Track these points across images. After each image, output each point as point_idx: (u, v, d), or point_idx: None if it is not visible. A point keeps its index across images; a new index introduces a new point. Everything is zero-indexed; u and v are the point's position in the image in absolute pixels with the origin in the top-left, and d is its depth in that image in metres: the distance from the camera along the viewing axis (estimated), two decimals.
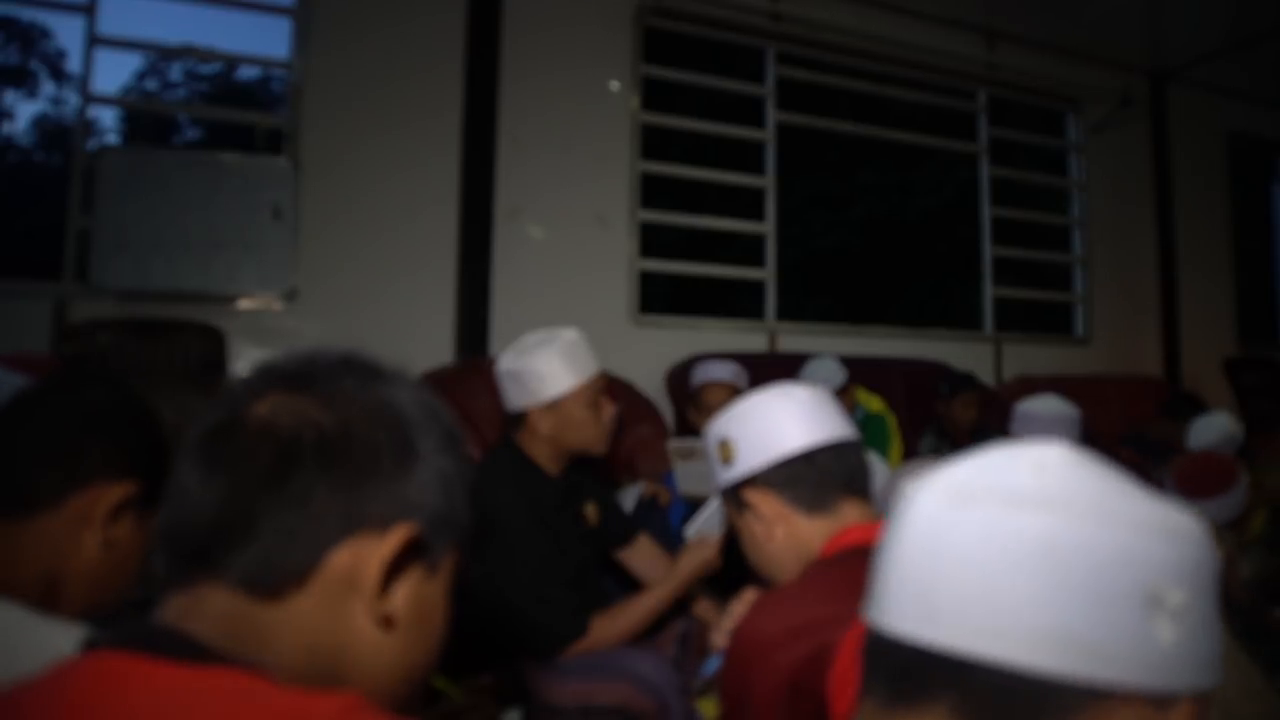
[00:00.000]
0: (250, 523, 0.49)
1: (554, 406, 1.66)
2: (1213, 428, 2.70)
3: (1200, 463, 2.12)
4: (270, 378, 0.54)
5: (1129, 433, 3.55)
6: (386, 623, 0.52)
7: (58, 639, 0.65)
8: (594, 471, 1.91)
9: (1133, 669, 0.41)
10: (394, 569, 0.52)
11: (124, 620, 0.50)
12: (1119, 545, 0.42)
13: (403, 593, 0.53)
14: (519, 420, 1.70)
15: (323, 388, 0.53)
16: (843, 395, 2.97)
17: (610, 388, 1.87)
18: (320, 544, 0.50)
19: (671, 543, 2.01)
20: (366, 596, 0.51)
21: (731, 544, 1.25)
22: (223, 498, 0.49)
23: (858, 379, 3.11)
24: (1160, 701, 0.42)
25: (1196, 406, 3.46)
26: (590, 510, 1.81)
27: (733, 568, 1.45)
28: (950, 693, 0.44)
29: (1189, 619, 0.42)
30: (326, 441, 0.51)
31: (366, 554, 0.51)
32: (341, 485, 0.50)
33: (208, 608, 0.48)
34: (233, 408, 0.53)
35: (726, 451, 1.05)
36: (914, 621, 0.45)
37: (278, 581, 0.49)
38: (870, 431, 3.04)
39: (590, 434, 1.69)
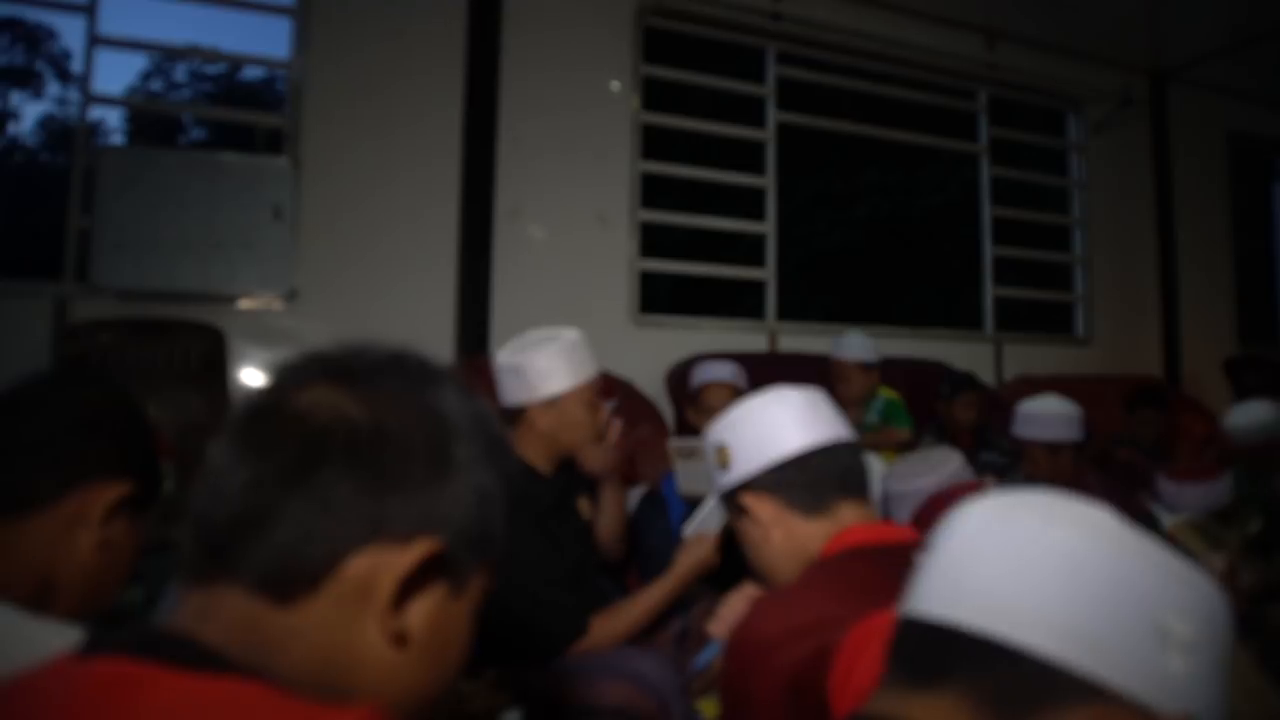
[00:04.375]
0: (269, 515, 0.47)
1: (554, 404, 1.66)
2: (1252, 413, 2.65)
3: (1191, 464, 2.19)
4: (315, 367, 0.52)
5: (1119, 433, 3.56)
6: (399, 640, 0.49)
7: (52, 639, 0.65)
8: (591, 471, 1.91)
9: (1136, 678, 0.44)
10: (411, 584, 0.49)
11: (122, 625, 0.49)
12: (1140, 573, 0.47)
13: (419, 610, 0.50)
14: (515, 416, 1.70)
15: (365, 383, 0.51)
16: (868, 373, 2.99)
17: (610, 388, 1.88)
18: (338, 547, 0.47)
19: (672, 543, 2.01)
20: (379, 610, 0.48)
21: (730, 542, 1.26)
22: (246, 485, 0.48)
23: None
24: (1148, 714, 0.45)
25: (1154, 399, 3.47)
26: (584, 507, 1.81)
27: (732, 566, 1.45)
28: (963, 673, 0.47)
29: (1197, 659, 0.46)
30: (358, 440, 0.49)
31: (384, 564, 0.48)
32: (367, 487, 0.48)
33: (222, 610, 0.47)
34: (274, 394, 0.51)
35: (723, 457, 1.06)
36: (942, 604, 0.49)
37: (292, 583, 0.47)
38: (891, 412, 3.07)
39: (585, 435, 1.70)
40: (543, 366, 1.64)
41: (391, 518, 0.49)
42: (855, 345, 3.03)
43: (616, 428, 1.83)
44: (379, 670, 0.49)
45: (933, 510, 1.55)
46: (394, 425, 0.50)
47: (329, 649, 0.47)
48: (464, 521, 0.51)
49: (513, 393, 1.67)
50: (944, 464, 1.83)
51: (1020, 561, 0.48)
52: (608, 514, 1.91)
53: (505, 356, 1.68)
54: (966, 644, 0.47)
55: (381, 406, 0.51)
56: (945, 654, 0.48)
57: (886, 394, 3.17)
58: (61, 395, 0.82)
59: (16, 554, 0.75)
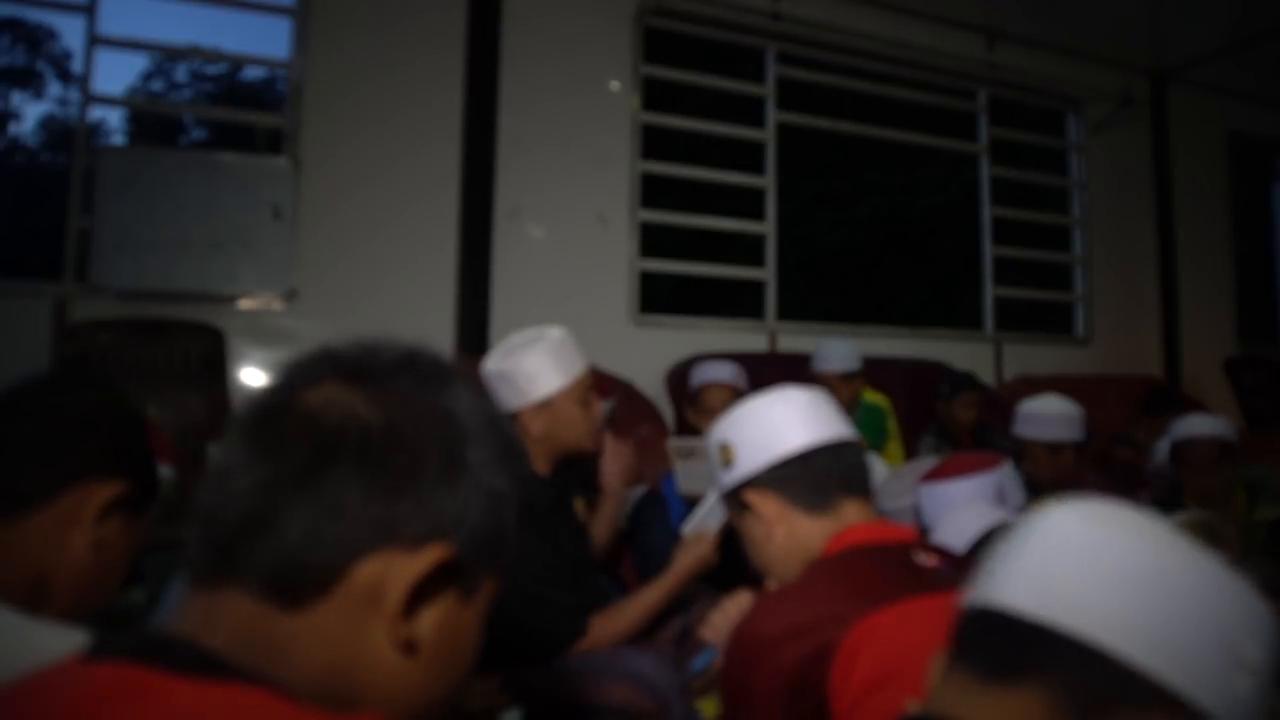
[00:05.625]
0: (278, 517, 0.46)
1: (546, 406, 1.65)
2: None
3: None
4: (327, 365, 0.51)
5: (1119, 433, 3.55)
6: (408, 647, 0.48)
7: (48, 640, 0.64)
8: (592, 471, 1.91)
9: (1209, 693, 0.46)
10: (422, 591, 0.48)
11: (123, 627, 0.49)
12: (1220, 595, 0.49)
13: (429, 618, 0.49)
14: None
15: (378, 383, 0.50)
16: (851, 382, 2.99)
17: (607, 387, 1.88)
18: (347, 552, 0.46)
19: (671, 542, 2.01)
20: (388, 617, 0.47)
21: (729, 540, 1.26)
22: (255, 485, 0.46)
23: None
24: None
25: (1174, 403, 3.46)
26: (580, 507, 1.81)
27: (731, 564, 1.45)
28: (1045, 669, 0.48)
29: (1259, 682, 0.48)
30: (369, 441, 0.48)
31: (394, 570, 0.47)
32: (378, 491, 0.47)
33: (227, 614, 0.46)
34: (285, 392, 0.50)
35: (727, 455, 1.06)
36: (1032, 599, 0.50)
37: (299, 588, 0.46)
38: (864, 422, 3.06)
39: (581, 431, 1.69)
40: (531, 369, 1.62)
41: (403, 522, 0.47)
42: (835, 358, 3.00)
43: (599, 406, 1.82)
44: (387, 677, 0.48)
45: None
46: (407, 426, 0.49)
47: (336, 655, 0.46)
48: (476, 525, 0.50)
49: (503, 399, 1.65)
50: (918, 468, 1.84)
51: (1113, 568, 0.49)
52: (602, 524, 1.91)
53: (492, 363, 1.66)
54: (1052, 640, 0.48)
55: (394, 407, 0.49)
56: (1028, 648, 0.49)
57: (871, 399, 3.17)
58: (56, 395, 0.82)
59: (11, 554, 0.75)
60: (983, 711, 0.50)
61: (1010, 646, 0.50)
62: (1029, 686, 0.49)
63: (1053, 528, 0.53)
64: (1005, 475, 1.50)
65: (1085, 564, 0.50)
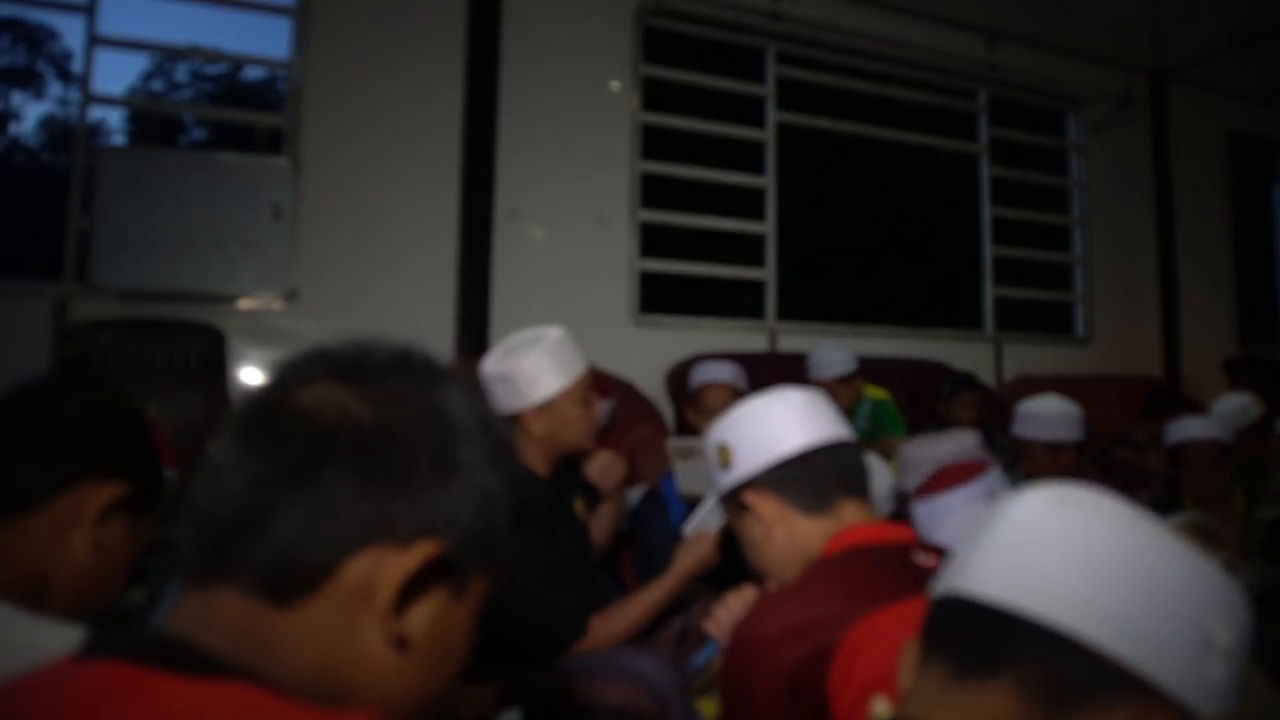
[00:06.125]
0: (270, 515, 0.46)
1: (547, 407, 1.64)
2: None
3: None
4: (321, 364, 0.52)
5: (1119, 433, 3.55)
6: (399, 644, 0.49)
7: (48, 639, 0.64)
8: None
9: (1181, 679, 0.46)
10: (413, 587, 0.48)
11: (122, 627, 0.49)
12: (1191, 579, 0.48)
13: (420, 614, 0.49)
14: (509, 423, 1.69)
15: (371, 383, 0.51)
16: (850, 383, 2.99)
17: (607, 387, 1.87)
18: (339, 549, 0.47)
19: (672, 542, 2.01)
20: (379, 613, 0.47)
21: (730, 540, 1.26)
22: (248, 483, 0.47)
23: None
24: (1186, 714, 0.47)
25: (1176, 403, 3.46)
26: (579, 506, 1.81)
27: (731, 564, 1.45)
28: (1020, 662, 0.47)
29: (1232, 667, 0.48)
30: (363, 439, 0.48)
31: (385, 567, 0.47)
32: (370, 489, 0.47)
33: (221, 613, 0.46)
34: (278, 390, 0.50)
35: (725, 456, 1.06)
36: (1004, 587, 0.49)
37: (291, 585, 0.46)
38: (882, 416, 3.06)
39: (582, 431, 1.69)
40: (531, 371, 1.62)
41: (394, 519, 0.48)
42: (830, 363, 3.00)
43: (599, 405, 1.83)
44: (379, 674, 0.48)
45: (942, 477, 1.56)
46: (399, 425, 0.49)
47: (328, 652, 0.47)
48: (467, 524, 0.51)
49: (503, 400, 1.64)
50: (962, 438, 2.02)
51: (1084, 554, 0.48)
52: (600, 527, 1.91)
53: (491, 365, 1.65)
54: (1023, 629, 0.48)
55: (387, 406, 0.50)
56: (1000, 638, 0.48)
57: (874, 394, 3.17)
58: (56, 396, 0.81)
59: (11, 554, 0.74)
60: (958, 710, 0.49)
61: (981, 637, 0.49)
62: (1002, 680, 0.48)
63: (1021, 513, 0.52)
64: (994, 479, 1.51)
65: (1054, 549, 0.49)
